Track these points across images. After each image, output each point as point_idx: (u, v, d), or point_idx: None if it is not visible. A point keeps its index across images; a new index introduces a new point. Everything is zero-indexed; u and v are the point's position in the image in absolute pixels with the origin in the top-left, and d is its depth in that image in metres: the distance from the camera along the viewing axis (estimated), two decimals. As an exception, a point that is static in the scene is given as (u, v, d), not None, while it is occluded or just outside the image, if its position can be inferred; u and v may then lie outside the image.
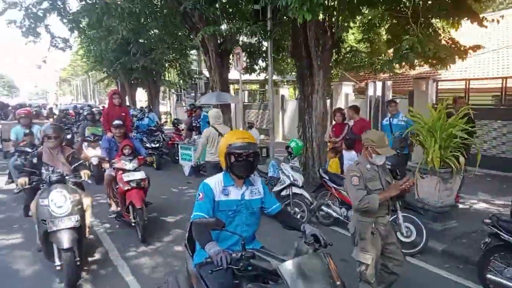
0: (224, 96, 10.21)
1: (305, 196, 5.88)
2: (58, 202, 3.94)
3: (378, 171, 3.34)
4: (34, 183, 4.27)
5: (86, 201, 4.43)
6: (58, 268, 3.94)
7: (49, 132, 4.46)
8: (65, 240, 3.81)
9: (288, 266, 1.98)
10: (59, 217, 3.88)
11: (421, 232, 4.83)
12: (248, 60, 11.28)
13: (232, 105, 20.33)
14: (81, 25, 12.48)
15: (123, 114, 7.49)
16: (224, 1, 7.91)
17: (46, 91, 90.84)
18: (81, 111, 17.77)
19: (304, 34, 7.65)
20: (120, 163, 5.53)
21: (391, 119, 6.81)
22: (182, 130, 12.90)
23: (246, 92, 15.73)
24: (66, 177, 4.28)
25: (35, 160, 4.48)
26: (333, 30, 7.47)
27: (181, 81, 18.79)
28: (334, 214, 5.73)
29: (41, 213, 3.94)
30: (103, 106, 17.53)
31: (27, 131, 7.47)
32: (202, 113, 12.35)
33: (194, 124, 12.54)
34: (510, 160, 9.11)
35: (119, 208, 5.78)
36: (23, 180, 4.25)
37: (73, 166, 4.50)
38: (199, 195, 2.52)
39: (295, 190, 5.86)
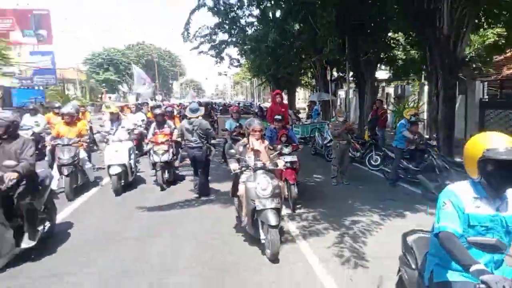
0: (322, 95, 16.20)
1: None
2: (263, 185, 4.44)
3: (341, 124, 8.88)
4: (243, 168, 4.79)
5: (280, 185, 4.79)
6: (263, 241, 4.34)
7: (255, 126, 4.98)
8: (272, 218, 4.23)
9: None
10: (265, 198, 4.37)
11: (384, 160, 9.97)
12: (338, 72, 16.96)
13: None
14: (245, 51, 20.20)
15: (283, 110, 8.71)
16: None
17: (224, 92, 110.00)
18: (242, 107, 25.82)
19: (358, 59, 13.09)
20: (278, 148, 6.29)
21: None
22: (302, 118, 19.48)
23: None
24: (265, 165, 4.72)
25: (241, 149, 5.00)
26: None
27: (312, 83, 25.23)
28: None
29: (250, 194, 4.45)
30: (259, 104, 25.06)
31: (237, 124, 9.04)
32: (315, 107, 18.66)
33: (310, 113, 19.01)
34: None
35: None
36: (235, 165, 4.78)
37: (271, 156, 4.99)
38: (444, 203, 2.17)
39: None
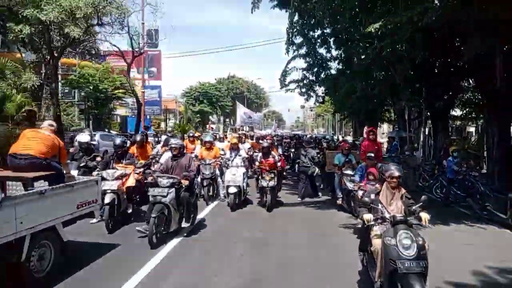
0: (400, 132, 18.23)
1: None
2: (405, 243, 3.87)
3: (406, 158, 11.15)
4: (378, 220, 4.26)
5: (426, 245, 3.98)
6: None
7: (392, 171, 4.43)
8: (417, 285, 3.67)
9: None
10: (408, 260, 3.78)
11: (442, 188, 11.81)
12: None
13: None
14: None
15: (376, 147, 8.95)
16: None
17: (305, 124, 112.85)
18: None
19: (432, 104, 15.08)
20: (366, 187, 6.58)
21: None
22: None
23: None
24: (406, 218, 4.13)
25: (373, 196, 4.53)
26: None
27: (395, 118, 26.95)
28: None
29: (389, 252, 3.91)
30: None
31: (347, 159, 9.45)
32: (394, 142, 20.57)
33: (389, 148, 20.94)
34: None
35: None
36: (368, 216, 4.29)
37: (413, 208, 4.31)
38: None
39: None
